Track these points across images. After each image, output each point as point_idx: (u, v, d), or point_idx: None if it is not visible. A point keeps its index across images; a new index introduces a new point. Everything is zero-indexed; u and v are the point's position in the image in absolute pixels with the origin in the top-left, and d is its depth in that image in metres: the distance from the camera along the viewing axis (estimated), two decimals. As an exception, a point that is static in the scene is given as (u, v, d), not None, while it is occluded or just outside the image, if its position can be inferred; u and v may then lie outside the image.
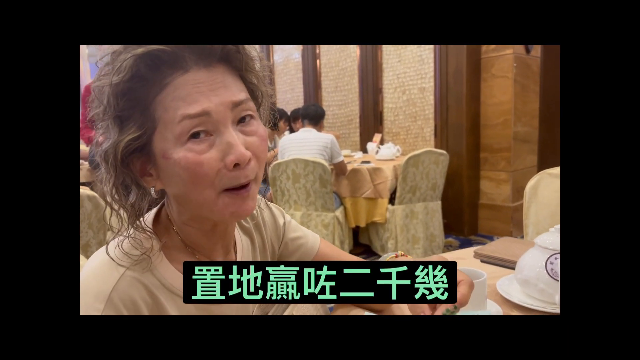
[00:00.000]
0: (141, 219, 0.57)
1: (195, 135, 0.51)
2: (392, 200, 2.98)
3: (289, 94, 4.83)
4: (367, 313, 0.80)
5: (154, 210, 0.61)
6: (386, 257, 0.72)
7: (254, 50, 0.57)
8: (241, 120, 0.54)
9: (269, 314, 0.75)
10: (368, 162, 3.21)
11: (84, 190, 1.41)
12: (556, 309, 0.76)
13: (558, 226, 0.82)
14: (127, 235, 0.54)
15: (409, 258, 0.69)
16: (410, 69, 3.73)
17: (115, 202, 0.54)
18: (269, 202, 0.81)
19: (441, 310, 0.54)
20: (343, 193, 3.08)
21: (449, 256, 1.27)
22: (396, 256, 0.72)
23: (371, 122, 4.09)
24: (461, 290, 0.55)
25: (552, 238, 0.82)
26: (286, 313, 0.73)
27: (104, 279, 0.52)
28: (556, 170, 1.59)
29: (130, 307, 0.51)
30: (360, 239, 3.28)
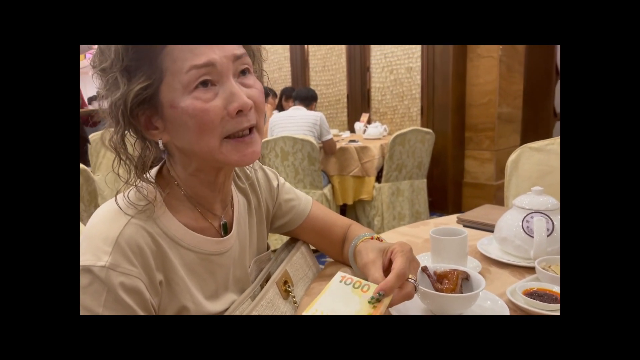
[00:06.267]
0: (147, 172, 0.60)
1: (203, 84, 0.54)
2: (378, 179, 3.03)
3: (277, 73, 4.80)
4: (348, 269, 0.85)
5: (157, 167, 0.65)
6: (362, 237, 0.74)
7: None
8: (241, 74, 0.58)
9: (265, 269, 0.79)
10: (356, 141, 3.25)
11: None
12: (531, 263, 0.82)
13: (535, 188, 0.88)
14: (133, 183, 0.58)
15: (384, 241, 0.71)
16: (398, 49, 3.75)
17: (122, 154, 0.57)
18: (263, 165, 0.85)
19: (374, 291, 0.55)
20: (331, 171, 3.12)
21: (433, 222, 1.32)
22: (372, 238, 0.73)
23: (359, 101, 4.11)
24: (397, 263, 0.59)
25: (528, 199, 0.88)
26: (280, 269, 0.77)
27: (111, 224, 0.55)
28: (537, 144, 1.65)
29: (136, 250, 0.55)
30: (348, 216, 3.32)
